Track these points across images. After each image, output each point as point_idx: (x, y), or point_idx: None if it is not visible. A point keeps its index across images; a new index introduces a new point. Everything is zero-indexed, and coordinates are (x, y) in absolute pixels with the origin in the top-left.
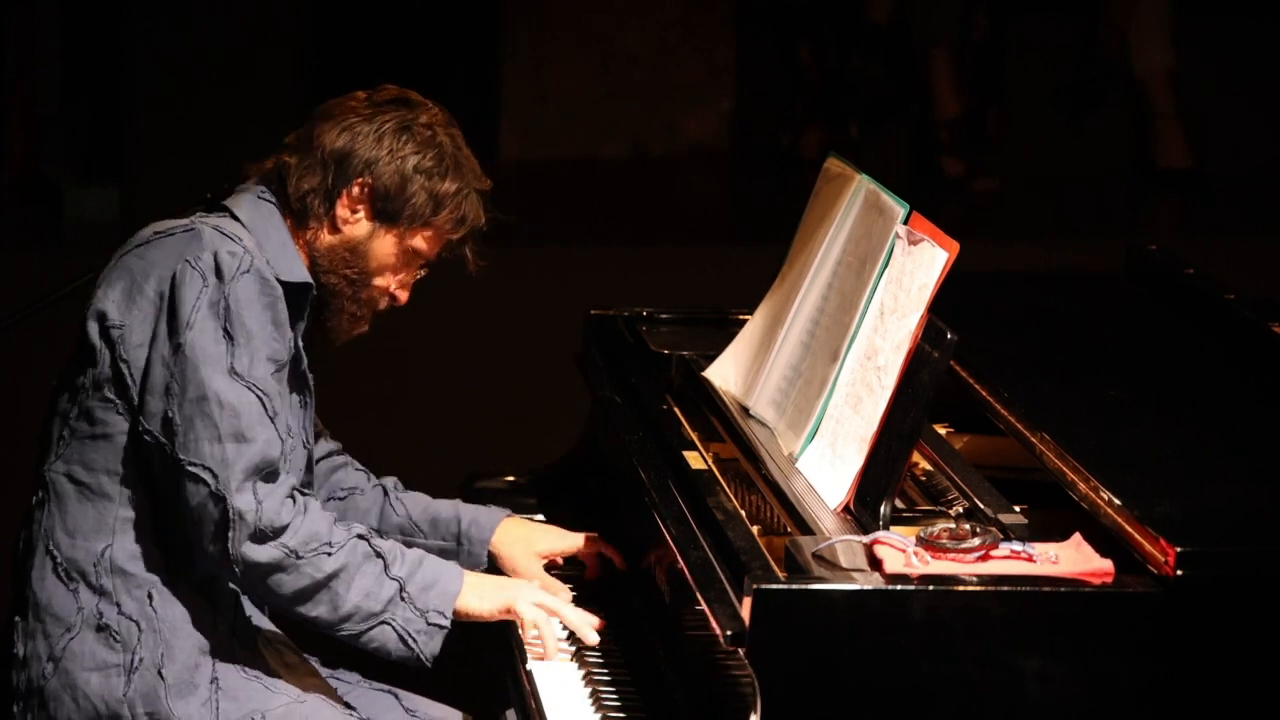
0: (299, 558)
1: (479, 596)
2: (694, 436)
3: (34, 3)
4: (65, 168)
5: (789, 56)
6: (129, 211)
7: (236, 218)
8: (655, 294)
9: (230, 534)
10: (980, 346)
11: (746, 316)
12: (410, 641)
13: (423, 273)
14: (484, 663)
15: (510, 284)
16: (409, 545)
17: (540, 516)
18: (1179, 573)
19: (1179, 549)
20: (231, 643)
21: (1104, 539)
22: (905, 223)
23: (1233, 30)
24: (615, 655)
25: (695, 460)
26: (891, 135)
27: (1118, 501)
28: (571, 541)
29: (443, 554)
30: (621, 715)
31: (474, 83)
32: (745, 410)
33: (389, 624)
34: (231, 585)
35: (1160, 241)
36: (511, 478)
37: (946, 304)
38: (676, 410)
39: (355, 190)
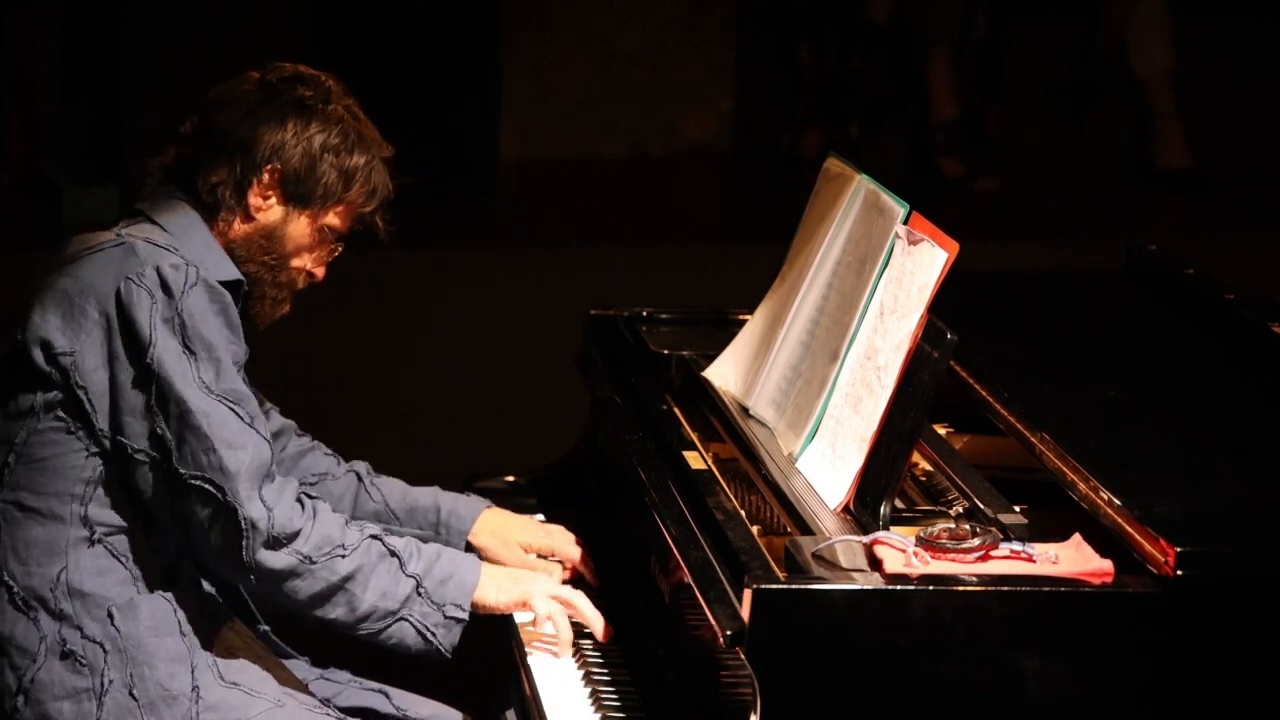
0: (313, 562)
1: (496, 588)
2: (694, 436)
3: (34, 3)
4: (65, 168)
5: (789, 56)
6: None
7: (157, 223)
8: (655, 294)
9: (244, 543)
10: (980, 346)
11: (746, 316)
12: (429, 635)
13: (339, 248)
14: (483, 662)
15: (510, 284)
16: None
17: (540, 516)
18: (1179, 573)
19: (1179, 549)
20: (205, 650)
21: (1104, 539)
22: (905, 223)
23: (1233, 30)
24: (615, 655)
25: (695, 460)
26: (891, 135)
27: (1118, 501)
28: (547, 540)
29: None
30: (621, 715)
31: (474, 83)
32: (745, 410)
33: (407, 620)
34: (202, 590)
35: (1160, 241)
36: (511, 478)
37: (946, 304)
38: (676, 410)
39: (265, 177)
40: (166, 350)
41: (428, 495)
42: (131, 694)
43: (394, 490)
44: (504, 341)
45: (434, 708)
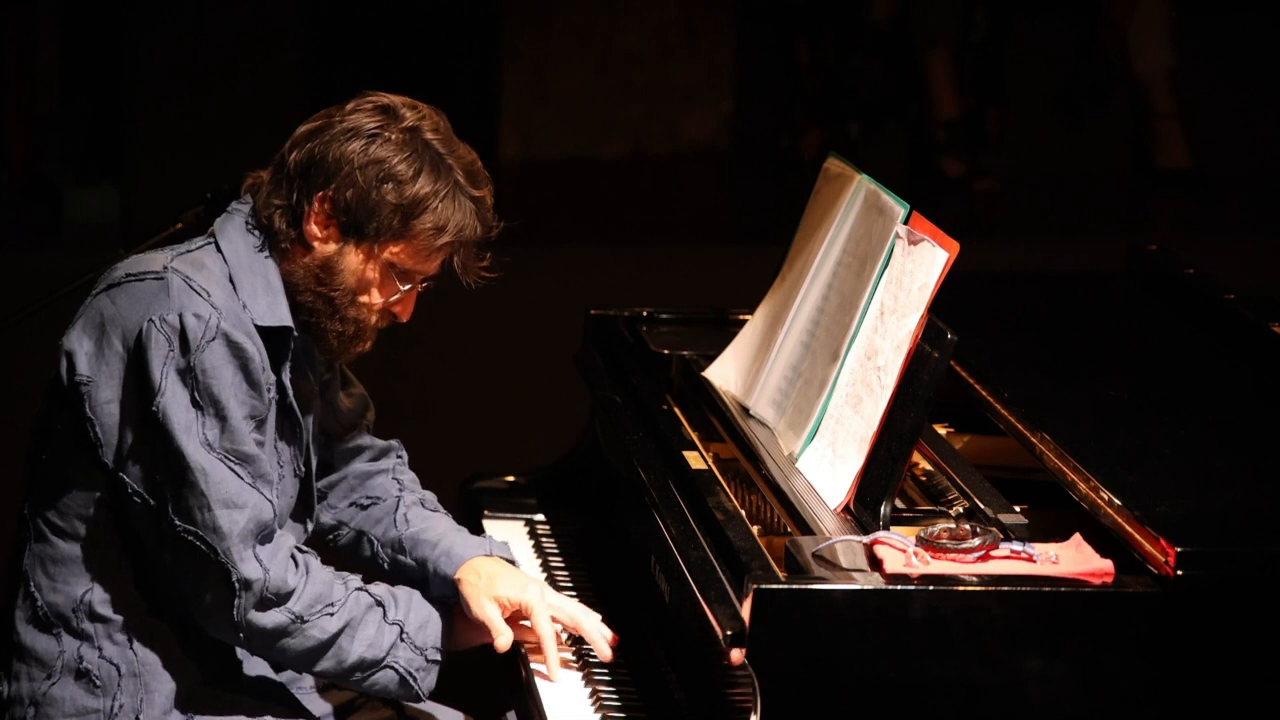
0: (304, 621)
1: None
2: (694, 436)
3: (34, 3)
4: (65, 168)
5: (789, 56)
6: (129, 211)
7: (221, 250)
8: (655, 294)
9: (236, 602)
10: (980, 346)
11: (746, 316)
12: (410, 680)
13: (423, 286)
14: (484, 663)
15: (510, 284)
16: (395, 561)
17: (540, 516)
18: (1179, 573)
19: (1179, 549)
20: (209, 684)
21: (1104, 539)
22: (905, 223)
23: (1233, 30)
24: (615, 655)
25: (695, 460)
26: (891, 135)
27: (1118, 501)
28: (528, 602)
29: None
30: (621, 715)
31: (474, 83)
32: (745, 410)
33: (392, 667)
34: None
35: (1160, 241)
36: (511, 478)
37: (946, 304)
38: (676, 410)
39: (317, 205)
40: (174, 401)
41: (434, 536)
42: (137, 717)
43: (415, 525)
44: (504, 341)
45: (435, 708)
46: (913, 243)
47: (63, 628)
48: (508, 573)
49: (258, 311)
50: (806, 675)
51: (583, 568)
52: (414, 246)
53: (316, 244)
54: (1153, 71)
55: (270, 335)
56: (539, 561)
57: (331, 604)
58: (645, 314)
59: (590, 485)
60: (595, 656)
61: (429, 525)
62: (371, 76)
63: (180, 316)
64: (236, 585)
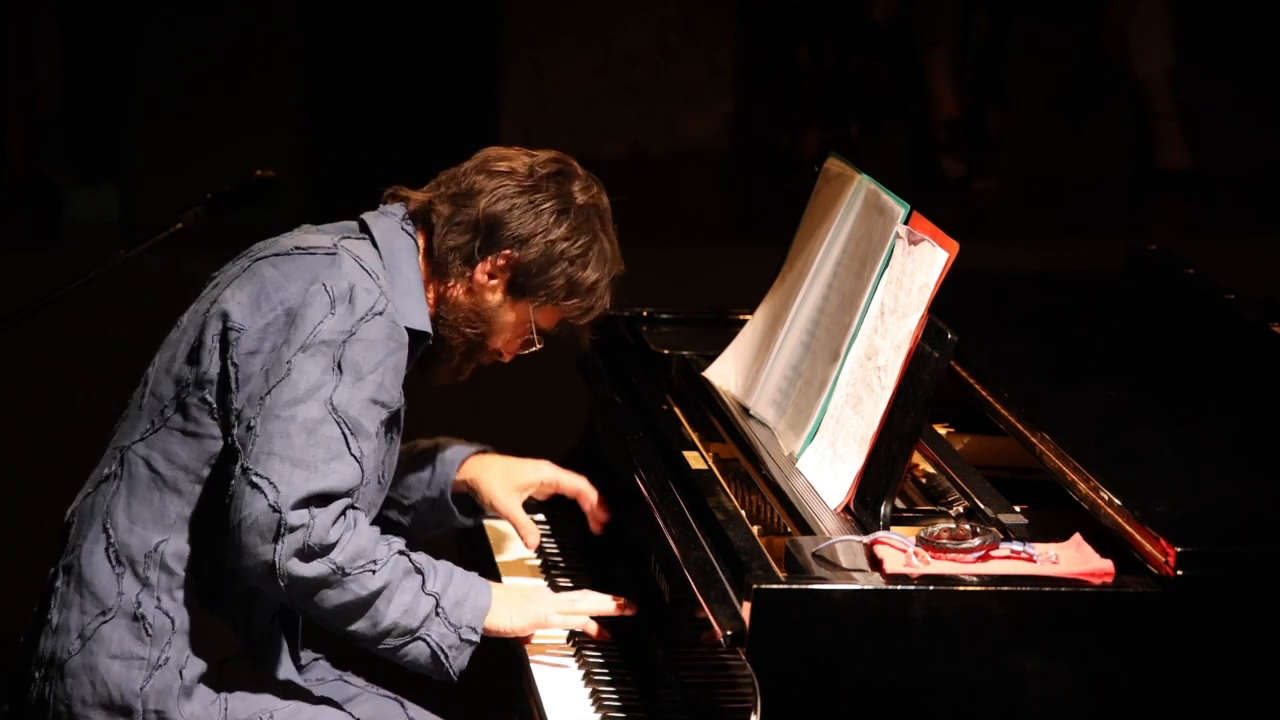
0: (345, 574)
1: (508, 612)
2: (694, 436)
3: (34, 3)
4: (65, 168)
5: (789, 56)
6: (129, 211)
7: (377, 247)
8: (655, 294)
9: (278, 546)
10: (980, 346)
11: (746, 316)
12: (442, 656)
13: (537, 344)
14: (484, 663)
15: None
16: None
17: (540, 516)
18: (1179, 573)
19: (1179, 549)
20: (248, 652)
21: (1104, 539)
22: (905, 223)
23: (1233, 30)
24: (615, 655)
25: (695, 460)
26: (891, 135)
27: (1118, 501)
28: (536, 476)
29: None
30: (621, 715)
31: (474, 83)
32: (745, 410)
33: (424, 639)
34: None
35: (1160, 241)
36: None
37: (946, 304)
38: (676, 410)
39: (500, 260)
40: (314, 358)
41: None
42: (180, 673)
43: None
44: None
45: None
46: (913, 243)
47: (129, 569)
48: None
49: (403, 311)
50: (806, 675)
51: (583, 568)
52: (559, 313)
53: (480, 290)
54: (1153, 71)
55: (411, 337)
56: (539, 561)
57: (374, 561)
58: (645, 314)
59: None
60: (595, 656)
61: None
62: (372, 77)
63: (352, 286)
64: (281, 529)
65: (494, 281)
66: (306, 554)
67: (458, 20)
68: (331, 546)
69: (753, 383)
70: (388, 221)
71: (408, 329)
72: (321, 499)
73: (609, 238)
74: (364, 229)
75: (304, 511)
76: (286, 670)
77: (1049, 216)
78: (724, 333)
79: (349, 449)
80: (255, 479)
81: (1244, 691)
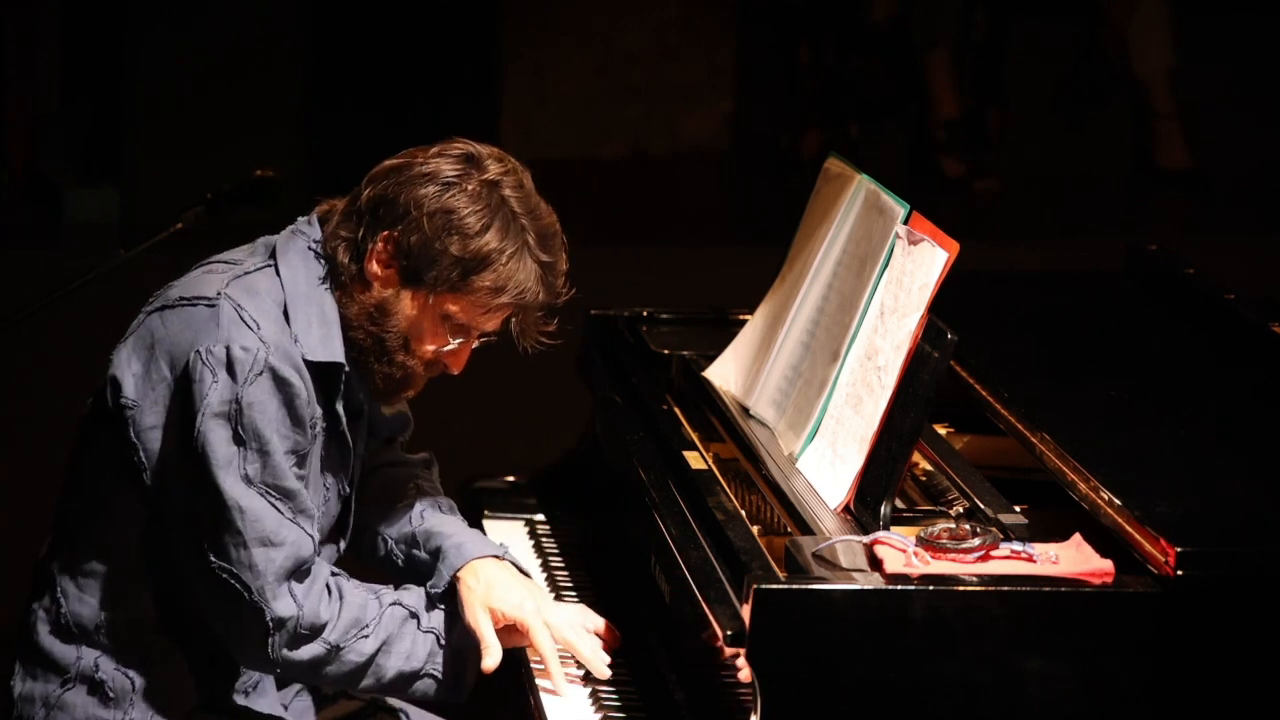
0: (340, 649)
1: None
2: (694, 436)
3: (34, 3)
4: (65, 168)
5: (789, 56)
6: (129, 211)
7: (279, 275)
8: (655, 294)
9: (270, 640)
10: (980, 346)
11: (746, 316)
12: (450, 685)
13: (480, 342)
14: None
15: None
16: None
17: (540, 516)
18: (1179, 573)
19: (1179, 549)
20: (215, 711)
21: (1104, 539)
22: (905, 223)
23: (1233, 30)
24: (615, 655)
25: (695, 460)
26: (891, 135)
27: (1118, 501)
28: (524, 620)
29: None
30: (621, 715)
31: (474, 83)
32: (745, 410)
33: (431, 675)
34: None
35: (1160, 241)
36: (511, 478)
37: (946, 304)
38: (676, 410)
39: (379, 245)
40: (214, 433)
41: (447, 530)
42: None
43: (430, 521)
44: (504, 341)
45: None
46: (913, 243)
47: (83, 639)
48: (509, 583)
49: (309, 345)
50: (806, 675)
51: (583, 568)
52: (470, 302)
53: (375, 283)
54: (1153, 71)
55: (321, 369)
56: (539, 561)
57: (365, 626)
58: (645, 314)
59: (590, 485)
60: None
61: (444, 522)
62: (372, 77)
63: (228, 349)
64: (270, 624)
65: (386, 271)
66: (298, 640)
67: (458, 20)
68: (323, 627)
69: (753, 383)
70: (296, 245)
71: (314, 362)
72: (293, 574)
73: (523, 210)
74: (271, 256)
75: (287, 599)
76: (264, 702)
77: (1049, 216)
78: (724, 333)
79: (283, 515)
80: (221, 572)
81: (1244, 691)
